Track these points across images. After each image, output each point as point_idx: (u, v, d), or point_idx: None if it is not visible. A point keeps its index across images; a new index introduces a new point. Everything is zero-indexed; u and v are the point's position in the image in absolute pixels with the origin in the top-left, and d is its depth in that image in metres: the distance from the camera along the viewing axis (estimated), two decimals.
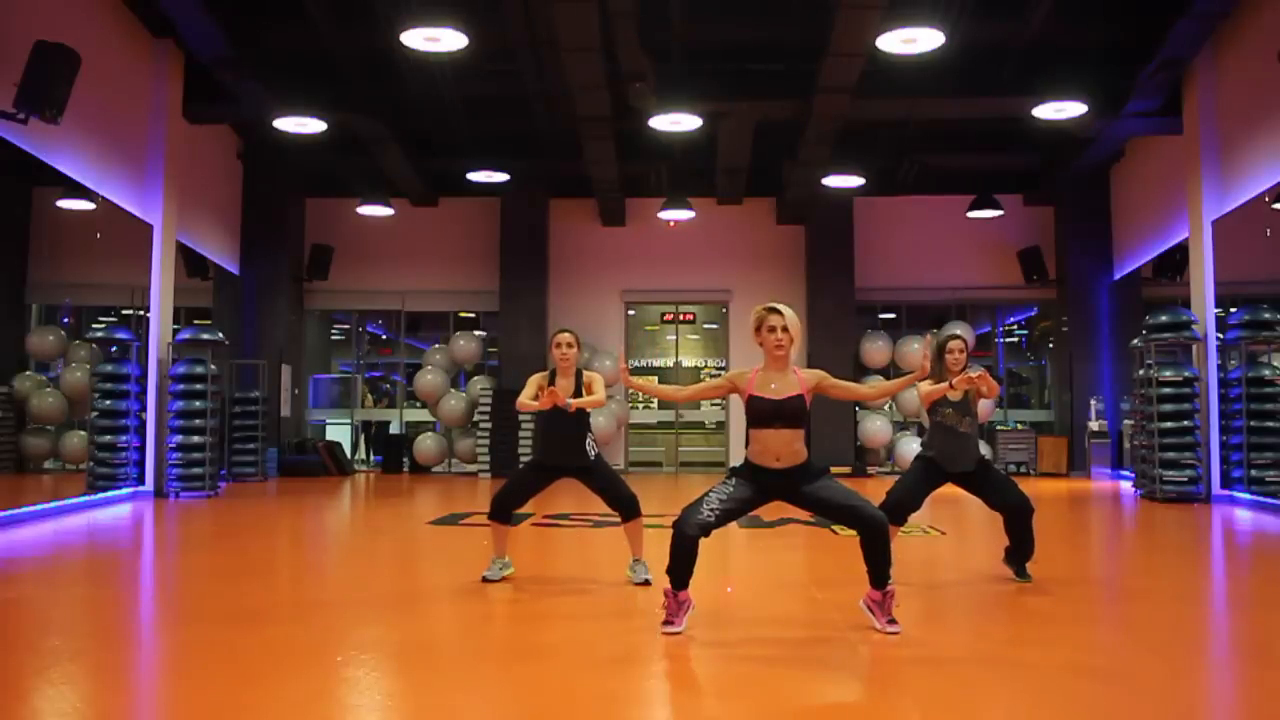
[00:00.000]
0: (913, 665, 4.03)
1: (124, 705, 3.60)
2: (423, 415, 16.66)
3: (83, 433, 12.03)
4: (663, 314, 17.58)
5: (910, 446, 14.89)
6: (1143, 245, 14.08)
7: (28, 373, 13.20)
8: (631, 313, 17.01)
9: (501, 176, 14.65)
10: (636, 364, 17.36)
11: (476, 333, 16.56)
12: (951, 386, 5.25)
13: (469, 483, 14.02)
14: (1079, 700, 3.58)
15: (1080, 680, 3.81)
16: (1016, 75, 11.50)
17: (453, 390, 15.91)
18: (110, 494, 10.60)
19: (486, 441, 14.93)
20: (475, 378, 16.31)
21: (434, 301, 16.69)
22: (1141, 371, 11.53)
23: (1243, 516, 9.71)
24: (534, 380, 5.61)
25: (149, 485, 11.18)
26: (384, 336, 18.40)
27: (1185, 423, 11.05)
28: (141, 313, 11.77)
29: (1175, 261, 12.93)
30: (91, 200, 10.78)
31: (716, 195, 15.77)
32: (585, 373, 5.63)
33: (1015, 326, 18.32)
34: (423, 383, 15.86)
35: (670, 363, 17.56)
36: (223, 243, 14.39)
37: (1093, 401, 14.96)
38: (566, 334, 5.65)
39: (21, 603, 5.42)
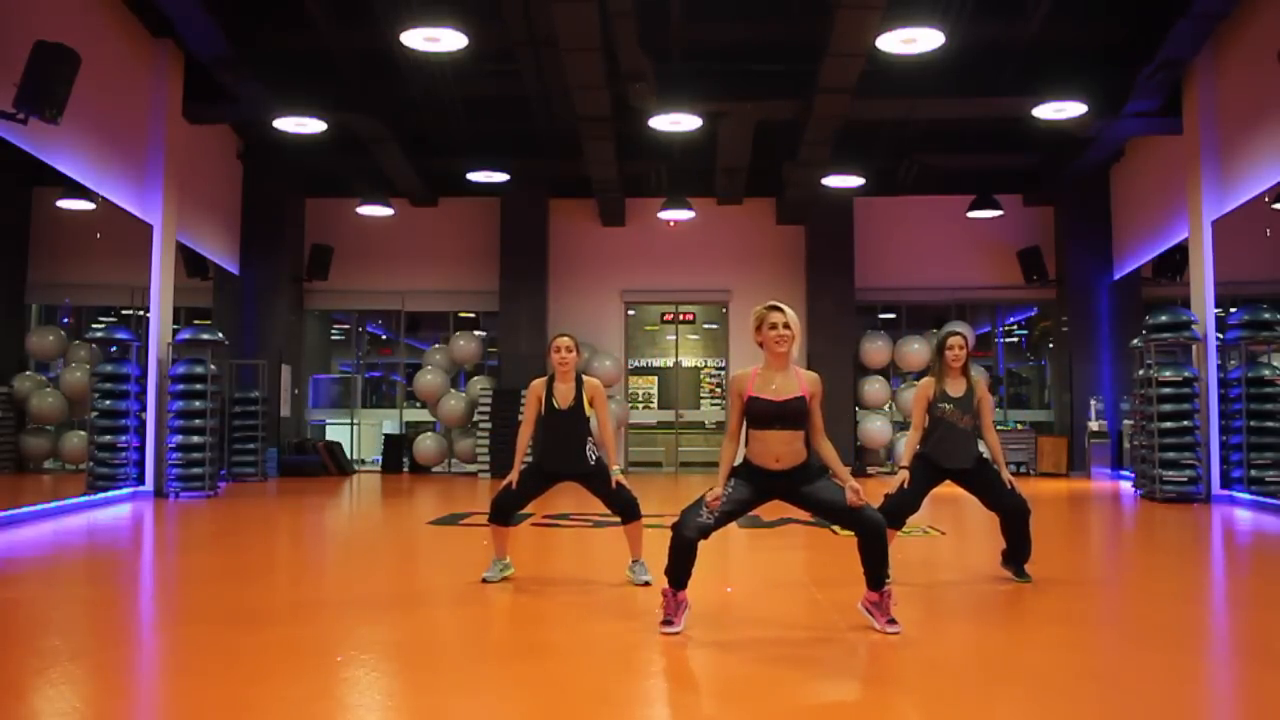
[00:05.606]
0: (913, 665, 4.03)
1: (124, 705, 3.60)
2: (423, 415, 16.66)
3: (83, 433, 12.02)
4: (662, 314, 17.57)
5: None
6: (1142, 245, 14.08)
7: (28, 373, 13.16)
8: (631, 313, 17.00)
9: (501, 176, 14.64)
10: (636, 364, 17.35)
11: (476, 333, 16.56)
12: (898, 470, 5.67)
13: (469, 483, 14.02)
14: (1079, 700, 3.58)
15: (1080, 680, 3.81)
16: (1016, 75, 11.50)
17: (453, 390, 15.91)
18: (110, 494, 10.60)
19: (486, 442, 14.93)
20: (475, 378, 16.30)
21: (434, 301, 16.69)
22: (1141, 371, 11.53)
23: (1243, 516, 9.71)
24: (533, 391, 5.59)
25: (149, 485, 11.18)
26: (384, 336, 18.40)
27: (1185, 423, 11.05)
28: (141, 313, 11.77)
29: (1175, 261, 12.92)
30: (91, 200, 10.77)
31: (716, 195, 15.77)
32: (585, 379, 5.59)
33: (1015, 326, 18.32)
34: (423, 383, 15.86)
35: (670, 363, 17.54)
36: (223, 243, 14.39)
37: (1092, 401, 14.95)
38: (565, 339, 5.60)
39: (21, 603, 5.41)
